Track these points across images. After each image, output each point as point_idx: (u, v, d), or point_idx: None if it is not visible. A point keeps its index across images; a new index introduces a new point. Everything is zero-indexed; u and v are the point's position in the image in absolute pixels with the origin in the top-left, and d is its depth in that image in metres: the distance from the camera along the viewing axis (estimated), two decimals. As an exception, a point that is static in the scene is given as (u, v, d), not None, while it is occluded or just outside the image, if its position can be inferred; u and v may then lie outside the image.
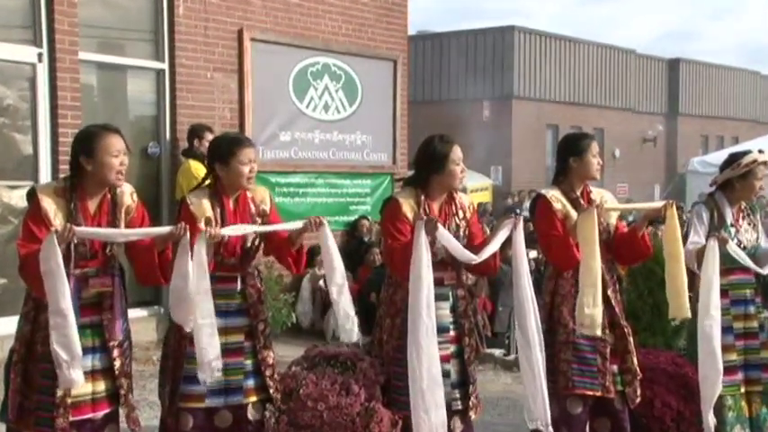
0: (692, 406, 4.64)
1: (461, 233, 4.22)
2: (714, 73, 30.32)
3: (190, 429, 3.92)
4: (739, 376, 4.67)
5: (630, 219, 4.93)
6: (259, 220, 4.06)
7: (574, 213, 4.32)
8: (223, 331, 3.87)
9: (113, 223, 3.68)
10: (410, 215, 4.10)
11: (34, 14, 7.01)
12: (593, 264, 4.12)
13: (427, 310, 3.87)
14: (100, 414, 3.67)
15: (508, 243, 4.19)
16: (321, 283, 8.28)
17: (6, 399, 3.66)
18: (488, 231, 4.58)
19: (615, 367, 4.37)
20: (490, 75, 23.21)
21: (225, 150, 3.95)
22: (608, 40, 34.96)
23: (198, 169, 6.87)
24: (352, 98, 9.50)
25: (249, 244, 4.02)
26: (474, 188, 18.08)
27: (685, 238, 4.65)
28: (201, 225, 3.80)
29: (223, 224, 3.89)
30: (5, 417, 3.65)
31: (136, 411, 3.82)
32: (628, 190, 23.57)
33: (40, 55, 7.03)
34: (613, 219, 4.50)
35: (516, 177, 22.73)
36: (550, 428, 4.10)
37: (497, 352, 7.65)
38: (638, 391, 4.40)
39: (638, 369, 4.41)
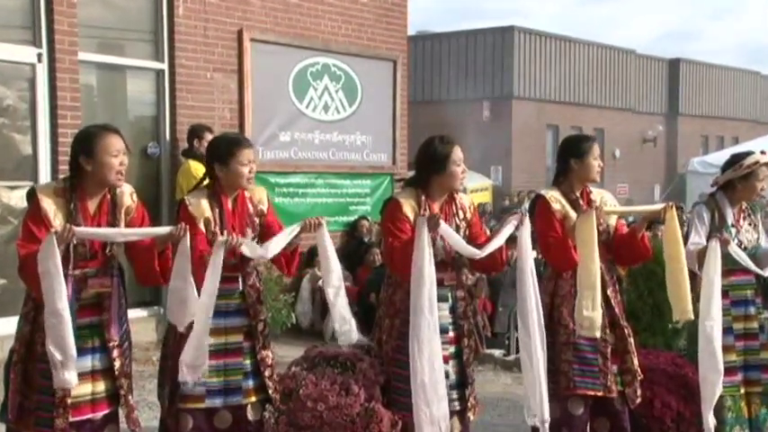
0: (692, 406, 4.64)
1: (462, 234, 4.21)
2: (714, 73, 30.32)
3: (189, 430, 3.91)
4: (739, 377, 4.67)
5: (630, 219, 4.93)
6: (257, 220, 4.07)
7: (573, 214, 4.31)
8: (223, 331, 3.88)
9: (113, 224, 3.68)
10: (411, 215, 4.10)
11: (34, 15, 7.01)
12: (591, 266, 4.11)
13: (429, 307, 3.87)
14: (99, 414, 3.67)
15: (510, 242, 4.18)
16: (321, 283, 8.27)
17: (6, 399, 3.66)
18: (488, 232, 4.57)
19: (615, 367, 4.37)
20: (490, 75, 23.21)
21: (224, 151, 3.95)
22: (608, 41, 35.04)
23: (198, 169, 6.87)
24: (352, 98, 9.50)
25: (248, 244, 4.03)
26: (474, 188, 18.07)
27: (686, 238, 4.65)
28: (201, 225, 3.80)
29: (222, 224, 3.90)
30: (5, 417, 3.65)
31: (136, 412, 3.81)
32: (628, 190, 23.58)
33: (39, 55, 7.02)
34: (613, 220, 4.50)
35: (516, 178, 22.73)
36: (546, 425, 4.09)
37: (497, 352, 7.64)
38: (639, 392, 4.40)
39: (638, 369, 4.41)
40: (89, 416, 3.63)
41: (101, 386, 3.67)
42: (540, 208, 4.39)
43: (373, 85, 9.66)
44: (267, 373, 4.03)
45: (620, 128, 26.17)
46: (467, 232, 4.27)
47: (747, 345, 4.72)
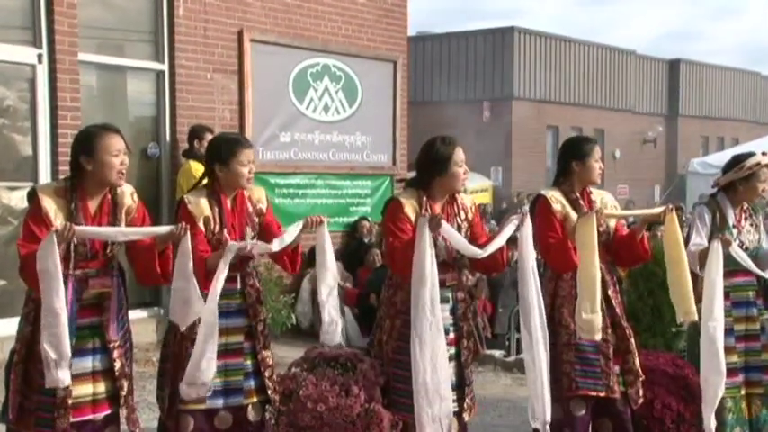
0: (693, 407, 4.63)
1: (463, 234, 4.21)
2: (714, 74, 30.33)
3: (190, 431, 3.91)
4: (740, 378, 4.67)
5: (630, 220, 4.94)
6: (257, 220, 4.08)
7: (574, 215, 4.31)
8: (224, 332, 3.87)
9: (114, 224, 3.67)
10: (412, 215, 4.10)
11: (34, 15, 7.00)
12: (591, 269, 4.10)
13: (431, 307, 3.86)
14: (100, 415, 3.67)
15: (510, 243, 4.18)
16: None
17: (7, 399, 3.65)
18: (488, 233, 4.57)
19: (617, 368, 4.37)
20: (490, 76, 23.22)
21: (224, 151, 3.95)
22: (608, 41, 35.01)
23: (198, 170, 6.85)
24: (352, 99, 9.50)
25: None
26: (474, 189, 18.08)
27: (687, 239, 4.65)
28: (200, 224, 3.80)
29: (221, 224, 3.90)
30: (6, 417, 3.64)
31: (136, 413, 3.81)
32: (628, 191, 23.58)
33: (39, 56, 7.02)
34: (612, 221, 4.49)
35: (516, 178, 22.74)
36: (547, 428, 4.09)
37: (497, 353, 7.64)
38: (641, 392, 4.40)
39: (639, 370, 4.41)
40: (90, 416, 3.62)
41: (101, 387, 3.66)
42: (540, 208, 4.39)
43: (373, 85, 9.66)
44: (267, 374, 4.03)
45: (620, 128, 26.17)
46: (468, 232, 4.26)
47: (748, 346, 4.71)
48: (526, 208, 4.25)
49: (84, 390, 3.60)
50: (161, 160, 7.96)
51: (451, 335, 4.19)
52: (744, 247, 4.65)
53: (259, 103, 8.56)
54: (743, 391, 4.69)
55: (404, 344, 4.00)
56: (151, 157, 7.90)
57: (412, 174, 4.39)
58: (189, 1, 7.95)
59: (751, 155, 4.76)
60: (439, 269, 3.97)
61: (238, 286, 3.99)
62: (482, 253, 4.02)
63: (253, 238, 4.03)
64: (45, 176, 7.02)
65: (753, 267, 4.58)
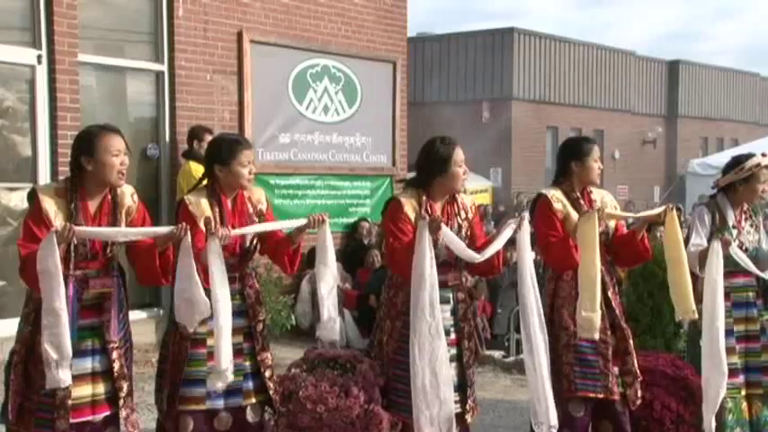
0: (692, 408, 4.64)
1: (463, 234, 4.21)
2: (713, 75, 30.33)
3: (189, 432, 3.91)
4: (740, 379, 4.67)
5: (630, 220, 4.94)
6: (257, 220, 4.08)
7: (574, 214, 4.31)
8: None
9: (114, 224, 3.67)
10: (412, 215, 4.10)
11: (33, 16, 7.00)
12: (592, 268, 4.11)
13: (430, 309, 3.87)
14: (100, 416, 3.66)
15: (510, 244, 4.18)
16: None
17: (7, 400, 3.65)
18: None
19: (616, 369, 4.36)
20: (489, 76, 23.22)
21: (225, 152, 3.96)
22: (607, 42, 35.01)
23: (198, 171, 6.85)
24: (352, 100, 9.49)
25: (248, 244, 4.04)
26: (473, 190, 18.08)
27: (686, 240, 4.65)
28: (201, 225, 3.80)
29: (222, 224, 3.89)
30: (5, 418, 3.64)
31: (135, 414, 3.80)
32: (627, 192, 23.59)
33: (39, 57, 7.02)
34: (612, 221, 4.49)
35: (515, 179, 22.73)
36: (554, 431, 4.08)
37: (497, 354, 7.64)
38: (639, 393, 4.40)
39: (638, 371, 4.41)
40: (89, 418, 3.62)
41: (101, 388, 3.65)
42: (540, 207, 4.39)
43: (373, 86, 9.66)
44: (267, 375, 4.03)
45: (619, 129, 26.18)
46: (468, 232, 4.27)
47: (748, 347, 4.71)
48: (526, 213, 4.25)
49: (84, 391, 3.59)
50: (160, 161, 7.96)
51: (452, 336, 4.19)
52: (744, 247, 4.65)
53: (259, 103, 8.55)
54: (743, 392, 4.69)
55: (404, 345, 4.00)
56: (150, 158, 7.90)
57: (411, 174, 4.39)
58: (188, 2, 7.95)
59: (751, 156, 4.76)
60: (440, 269, 3.97)
61: (238, 287, 3.99)
62: (480, 258, 4.02)
63: (253, 239, 4.03)
64: (44, 177, 7.01)
65: (752, 268, 4.58)
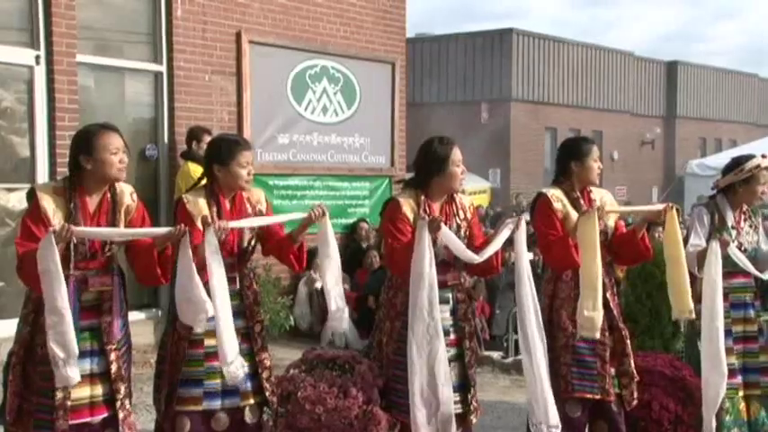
0: (690, 409, 4.64)
1: (462, 233, 4.21)
2: (712, 75, 30.36)
3: (186, 433, 3.90)
4: (738, 379, 4.67)
5: (630, 220, 4.95)
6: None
7: (574, 214, 4.31)
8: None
9: (113, 223, 3.67)
10: (411, 215, 4.10)
11: (32, 17, 6.99)
12: (593, 267, 4.11)
13: (429, 309, 3.86)
14: (98, 418, 3.65)
15: (508, 244, 4.18)
16: (318, 285, 8.25)
17: (5, 401, 3.64)
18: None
19: (613, 370, 4.37)
20: (488, 77, 23.23)
21: (224, 153, 3.96)
22: (606, 43, 35.04)
23: (196, 171, 6.81)
24: (351, 101, 9.49)
25: (246, 243, 4.03)
26: (472, 191, 18.08)
27: (685, 240, 4.65)
28: (199, 224, 3.80)
29: (219, 221, 3.89)
30: (4, 419, 3.63)
31: (132, 416, 3.79)
32: (626, 192, 23.61)
33: (37, 57, 7.01)
34: (612, 220, 4.49)
35: (514, 180, 22.75)
36: (553, 430, 4.08)
37: (495, 355, 7.64)
38: (635, 394, 4.41)
39: (634, 372, 4.41)
40: (87, 419, 3.61)
41: (99, 389, 3.65)
42: (540, 206, 4.39)
43: (372, 87, 9.66)
44: (265, 375, 4.03)
45: (618, 130, 26.20)
46: (467, 232, 4.27)
47: (746, 348, 4.72)
48: (525, 215, 4.25)
49: (82, 392, 3.58)
50: (159, 162, 7.95)
51: (452, 336, 4.19)
52: (743, 248, 4.65)
53: (257, 104, 8.55)
54: (741, 393, 4.69)
55: (403, 345, 4.00)
56: (149, 159, 7.89)
57: (410, 175, 4.39)
58: (187, 2, 7.95)
59: (751, 157, 4.76)
60: (440, 269, 3.97)
61: (236, 287, 3.99)
62: (478, 259, 4.02)
63: (251, 239, 4.03)
64: (43, 177, 7.00)
65: (751, 269, 4.58)
